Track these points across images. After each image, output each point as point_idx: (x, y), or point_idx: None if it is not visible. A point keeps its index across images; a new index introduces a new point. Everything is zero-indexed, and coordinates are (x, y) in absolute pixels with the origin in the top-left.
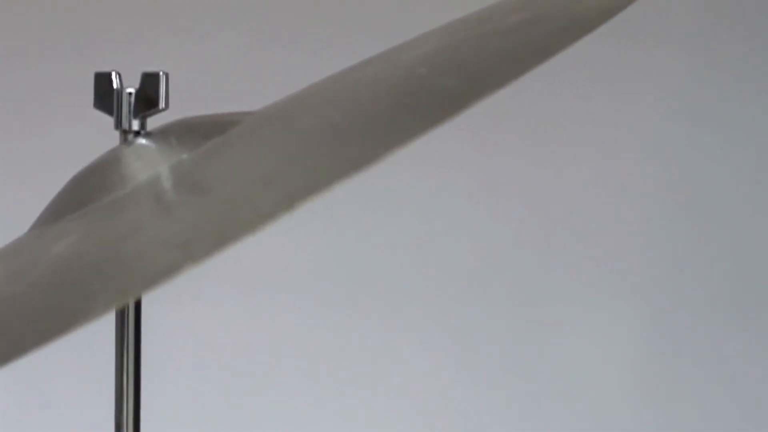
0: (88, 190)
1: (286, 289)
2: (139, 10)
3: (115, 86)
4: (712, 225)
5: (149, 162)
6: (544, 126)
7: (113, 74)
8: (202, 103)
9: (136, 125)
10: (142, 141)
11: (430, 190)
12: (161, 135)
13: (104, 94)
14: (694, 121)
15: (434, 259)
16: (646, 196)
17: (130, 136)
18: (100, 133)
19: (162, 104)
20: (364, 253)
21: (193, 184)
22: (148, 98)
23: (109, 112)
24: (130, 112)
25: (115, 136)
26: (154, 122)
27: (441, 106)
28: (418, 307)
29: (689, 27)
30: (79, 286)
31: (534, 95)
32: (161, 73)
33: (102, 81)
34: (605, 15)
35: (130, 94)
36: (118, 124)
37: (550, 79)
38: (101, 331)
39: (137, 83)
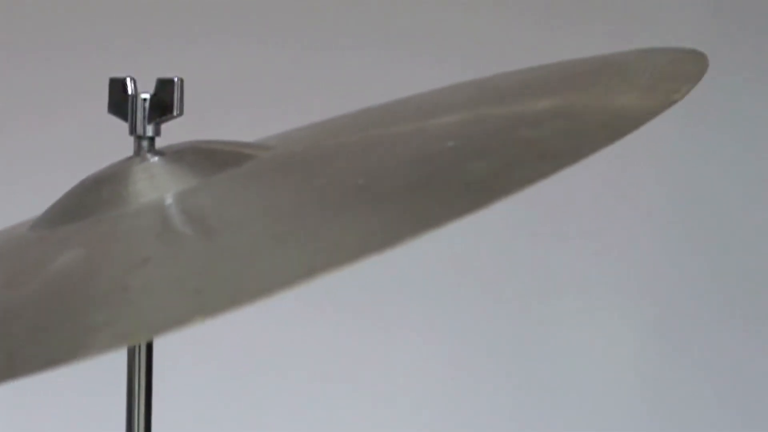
0: (95, 199)
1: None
2: (154, 16)
3: (129, 92)
4: (714, 225)
5: (158, 184)
6: None
7: (128, 80)
8: (216, 110)
9: (150, 131)
10: (154, 159)
11: None
12: (175, 156)
13: (119, 100)
14: (696, 121)
15: (434, 259)
16: (649, 196)
17: (143, 151)
18: (114, 139)
19: (176, 110)
20: None
21: (201, 221)
22: (162, 104)
23: (124, 118)
24: (144, 117)
25: (129, 142)
26: (168, 129)
27: (468, 195)
28: (419, 307)
29: (691, 26)
30: (82, 316)
31: None
32: (176, 79)
33: (116, 87)
34: (642, 118)
35: (144, 100)
36: (133, 130)
37: None
38: None
39: (152, 89)
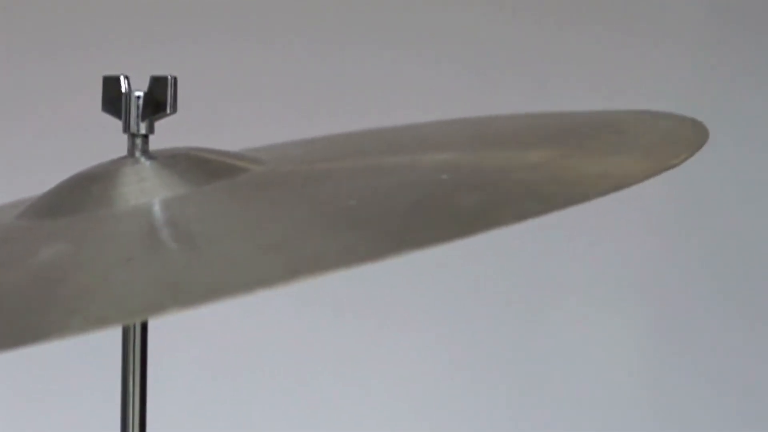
0: (85, 197)
1: (287, 288)
2: (148, 14)
3: (123, 90)
4: (715, 225)
5: (147, 188)
6: None
7: (121, 78)
8: (210, 107)
9: (144, 129)
10: (146, 162)
11: None
12: (168, 161)
13: (112, 98)
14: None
15: (435, 259)
16: (650, 196)
17: (137, 151)
18: (108, 137)
19: (170, 108)
20: None
21: (186, 231)
22: (156, 102)
23: (118, 116)
24: (138, 115)
25: (123, 140)
26: (161, 126)
27: (456, 223)
28: (419, 308)
29: (692, 26)
30: (61, 301)
31: (535, 94)
32: (169, 77)
33: (110, 84)
34: (637, 177)
35: (138, 97)
36: (126, 128)
37: (551, 78)
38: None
39: (145, 87)
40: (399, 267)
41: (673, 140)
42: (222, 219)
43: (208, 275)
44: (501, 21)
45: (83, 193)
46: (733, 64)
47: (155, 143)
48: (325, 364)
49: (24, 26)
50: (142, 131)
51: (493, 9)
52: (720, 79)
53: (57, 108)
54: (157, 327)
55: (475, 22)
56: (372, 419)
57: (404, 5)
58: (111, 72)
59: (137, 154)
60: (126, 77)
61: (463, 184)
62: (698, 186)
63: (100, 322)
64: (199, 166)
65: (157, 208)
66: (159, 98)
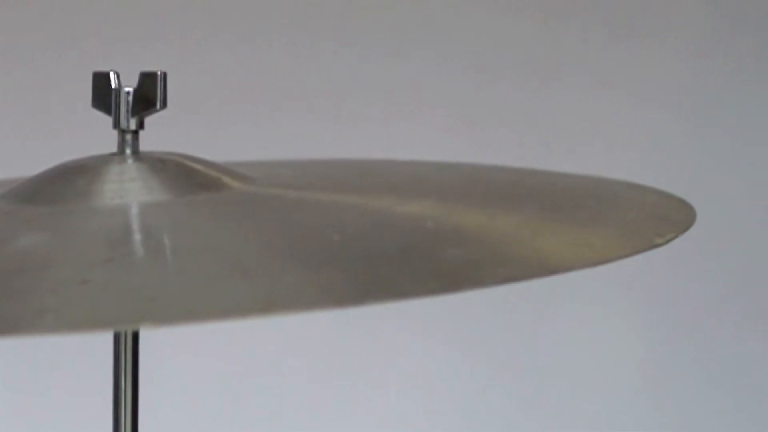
0: (69, 188)
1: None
2: (138, 10)
3: (113, 86)
4: (716, 225)
5: (129, 190)
6: (545, 125)
7: (111, 74)
8: (199, 103)
9: (133, 124)
10: (134, 163)
11: None
12: (156, 165)
13: (102, 94)
14: (697, 121)
15: None
16: None
17: (127, 149)
18: (97, 133)
19: (160, 104)
20: None
21: (159, 245)
22: (146, 98)
23: (108, 112)
24: (128, 111)
25: (113, 135)
26: (151, 121)
27: (439, 278)
28: (421, 307)
29: (692, 26)
30: (35, 297)
31: (535, 94)
32: (159, 73)
33: (100, 80)
34: (620, 253)
35: (128, 93)
36: (116, 124)
37: (551, 78)
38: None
39: (135, 83)
40: None
41: (660, 217)
42: (196, 234)
43: (186, 296)
44: (501, 21)
45: (68, 183)
46: (733, 64)
47: (145, 139)
48: (325, 369)
49: (13, 22)
50: (132, 127)
51: (493, 8)
52: (720, 79)
53: (47, 104)
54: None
55: (476, 22)
56: (374, 419)
57: (404, 5)
58: (101, 68)
59: (128, 151)
60: (116, 73)
61: (447, 237)
62: (699, 185)
63: (68, 326)
64: (186, 175)
65: (134, 212)
66: (149, 94)
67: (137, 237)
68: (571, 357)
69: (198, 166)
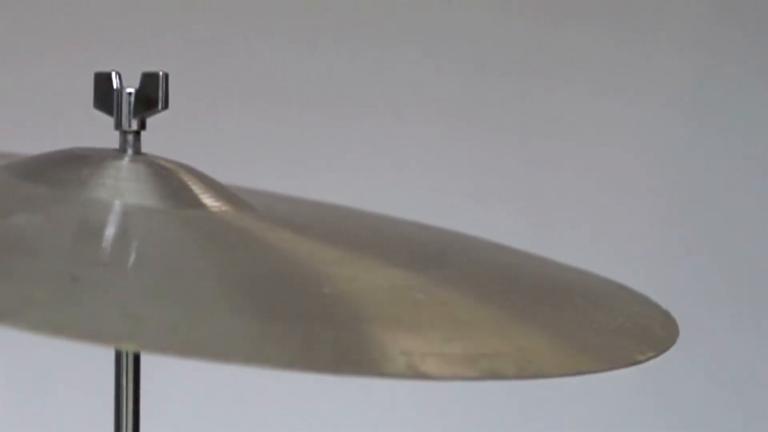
0: (70, 172)
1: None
2: (139, 10)
3: (114, 86)
4: (716, 224)
5: (118, 190)
6: (544, 125)
7: (113, 74)
8: (201, 104)
9: (135, 125)
10: (129, 164)
11: (427, 190)
12: (159, 170)
13: (104, 94)
14: (697, 121)
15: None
16: (649, 196)
17: (129, 149)
18: (100, 134)
19: (161, 104)
20: None
21: (127, 249)
22: (147, 98)
23: (109, 113)
24: (129, 112)
25: (114, 136)
26: (153, 122)
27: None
28: None
29: (692, 26)
30: (22, 286)
31: (533, 94)
32: (161, 73)
33: (102, 81)
34: (600, 367)
35: (129, 94)
36: (118, 125)
37: (550, 78)
38: None
39: (137, 83)
40: None
41: (643, 330)
42: (163, 250)
43: (170, 326)
44: (501, 20)
45: (72, 170)
46: (735, 63)
47: (147, 140)
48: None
49: (15, 22)
50: (134, 128)
51: (493, 8)
52: (722, 79)
53: (48, 105)
54: None
55: (475, 22)
56: (374, 419)
57: (404, 5)
58: (102, 68)
59: (129, 151)
60: (117, 73)
61: (425, 316)
62: (699, 185)
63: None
64: (182, 188)
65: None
66: (150, 95)
67: (108, 239)
68: None
69: (197, 183)
